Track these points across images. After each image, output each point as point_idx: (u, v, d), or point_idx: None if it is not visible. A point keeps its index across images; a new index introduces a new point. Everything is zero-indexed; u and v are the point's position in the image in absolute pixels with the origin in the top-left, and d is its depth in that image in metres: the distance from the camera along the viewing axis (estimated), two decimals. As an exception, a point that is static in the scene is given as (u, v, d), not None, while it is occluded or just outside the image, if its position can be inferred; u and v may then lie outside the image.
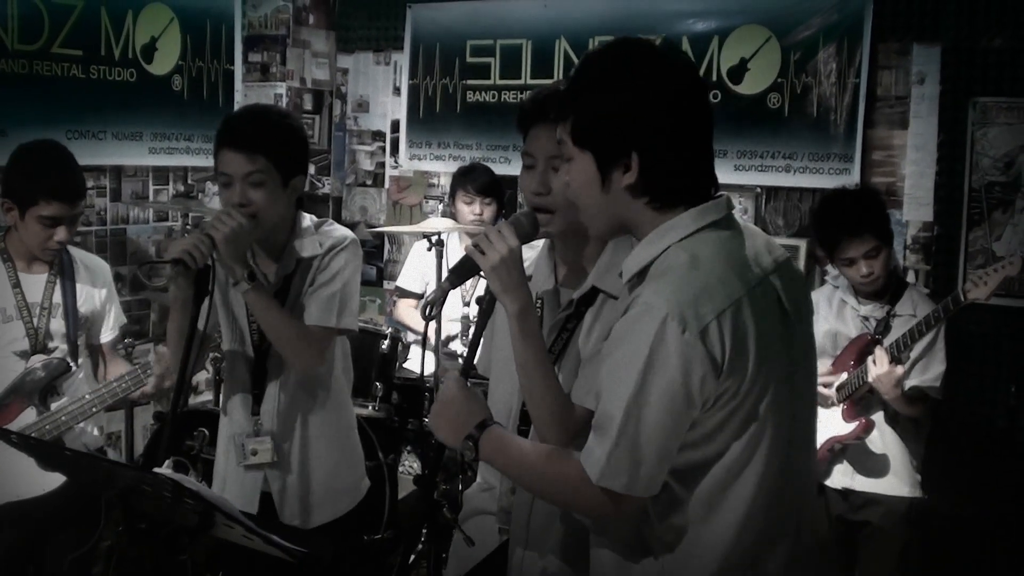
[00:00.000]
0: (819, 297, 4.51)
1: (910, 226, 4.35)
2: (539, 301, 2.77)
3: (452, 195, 5.78)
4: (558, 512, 2.66)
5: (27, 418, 3.81)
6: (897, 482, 4.30)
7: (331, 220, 3.55)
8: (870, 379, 4.11)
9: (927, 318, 4.10)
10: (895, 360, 4.09)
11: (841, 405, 4.31)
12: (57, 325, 3.92)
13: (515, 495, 2.81)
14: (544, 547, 2.70)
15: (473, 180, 5.65)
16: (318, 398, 3.46)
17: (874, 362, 4.10)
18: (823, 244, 4.41)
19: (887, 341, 4.22)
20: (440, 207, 6.79)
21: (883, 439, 4.30)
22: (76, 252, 4.09)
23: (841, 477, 4.35)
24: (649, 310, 2.10)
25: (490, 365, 2.94)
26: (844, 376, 4.32)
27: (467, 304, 5.54)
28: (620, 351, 2.14)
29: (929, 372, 4.21)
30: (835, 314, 4.43)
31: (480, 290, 5.37)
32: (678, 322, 2.07)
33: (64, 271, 3.97)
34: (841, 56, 5.59)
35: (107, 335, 4.14)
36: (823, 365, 4.38)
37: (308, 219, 3.46)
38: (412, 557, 4.77)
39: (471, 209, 5.61)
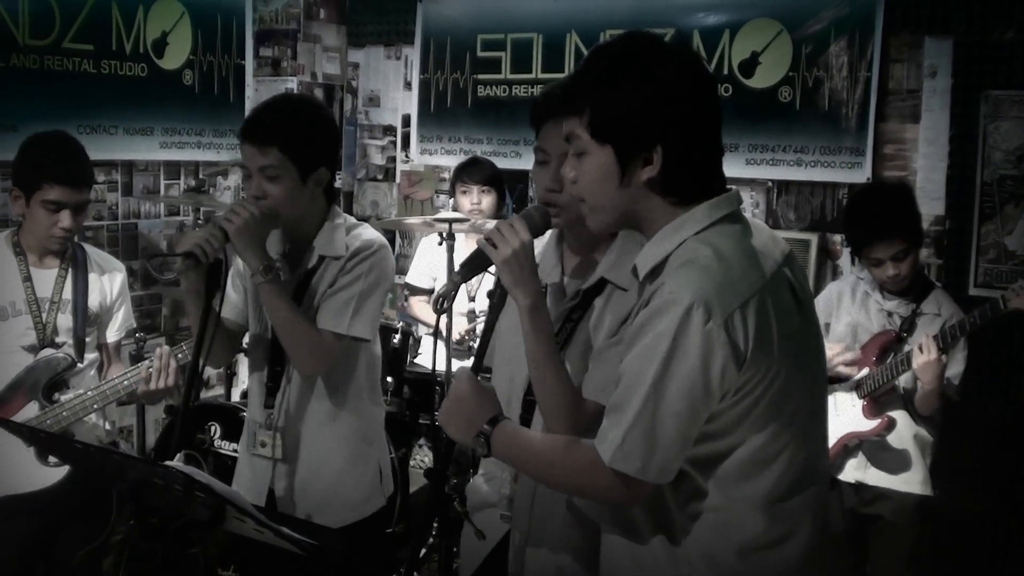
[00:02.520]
0: (843, 288, 4.50)
1: (922, 220, 4.37)
2: (544, 290, 2.78)
3: (452, 189, 5.79)
4: (562, 498, 2.66)
5: (29, 412, 3.82)
6: (909, 479, 4.29)
7: (366, 224, 3.50)
8: (915, 365, 4.07)
9: (962, 323, 4.07)
10: (941, 350, 4.06)
11: (861, 401, 4.30)
12: (65, 321, 3.92)
13: (517, 483, 2.82)
14: (546, 533, 2.71)
15: (471, 173, 5.66)
16: (331, 402, 3.41)
17: (921, 349, 4.06)
18: (851, 242, 4.38)
19: (913, 339, 4.20)
20: (451, 201, 6.80)
21: (899, 435, 4.28)
22: (91, 249, 4.09)
23: (854, 471, 4.34)
24: (674, 299, 2.11)
25: (492, 355, 2.93)
26: (865, 371, 4.30)
27: (472, 299, 5.54)
28: (643, 339, 2.14)
29: (949, 371, 4.19)
30: (858, 307, 4.40)
31: (485, 286, 5.39)
32: (703, 311, 2.08)
33: (76, 267, 3.97)
34: (852, 49, 5.58)
35: (113, 334, 4.14)
36: (843, 357, 4.37)
37: (343, 218, 3.43)
38: (423, 551, 4.78)
39: (468, 199, 5.62)
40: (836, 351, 4.27)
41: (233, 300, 3.57)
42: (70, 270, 3.95)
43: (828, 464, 2.55)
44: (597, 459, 2.17)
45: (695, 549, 2.25)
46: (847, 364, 4.30)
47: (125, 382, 3.83)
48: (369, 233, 3.43)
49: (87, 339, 3.99)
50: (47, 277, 3.92)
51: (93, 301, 4.00)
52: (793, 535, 2.27)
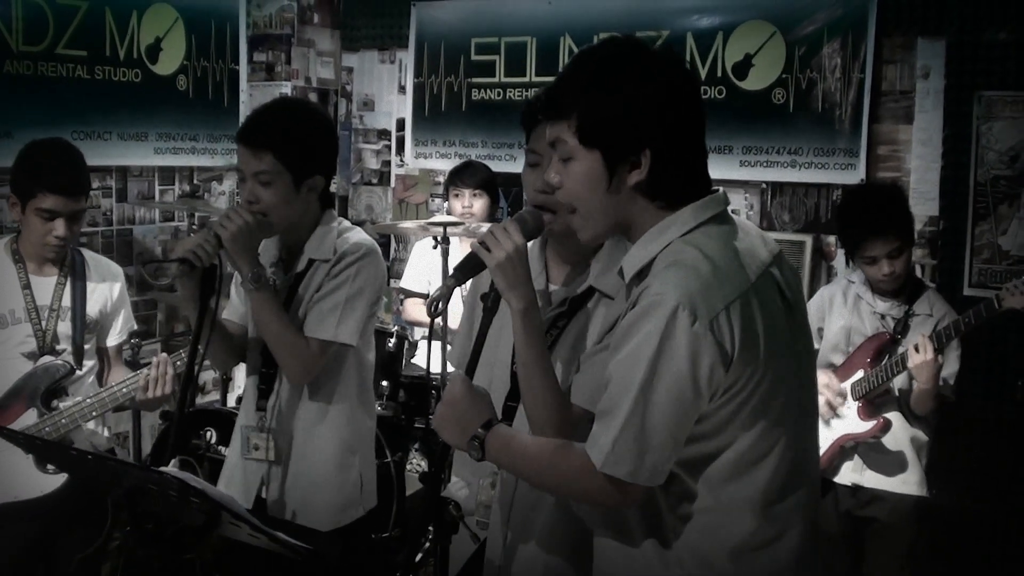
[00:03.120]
0: (834, 291, 4.50)
1: (915, 220, 4.37)
2: None
3: (445, 193, 5.80)
4: (543, 501, 2.66)
5: (28, 420, 3.82)
6: (905, 481, 4.28)
7: (357, 228, 3.49)
8: (910, 365, 4.06)
9: (956, 323, 4.07)
10: (937, 349, 4.06)
11: (856, 403, 4.30)
12: (65, 328, 3.92)
13: (495, 488, 2.82)
14: (525, 537, 2.71)
15: (465, 177, 5.67)
16: (317, 407, 3.40)
17: (916, 349, 4.06)
18: (845, 241, 4.38)
19: (906, 341, 4.21)
20: (445, 205, 6.81)
21: (894, 437, 4.28)
22: (89, 255, 4.09)
23: (850, 473, 4.34)
24: (659, 301, 2.11)
25: (463, 358, 2.92)
26: (860, 373, 4.30)
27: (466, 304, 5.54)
28: (630, 342, 2.15)
29: (944, 371, 4.19)
30: (850, 310, 4.39)
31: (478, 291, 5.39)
32: (688, 313, 2.09)
33: (75, 273, 3.97)
34: (846, 51, 5.59)
35: (113, 339, 4.13)
36: (836, 360, 4.37)
37: (336, 221, 3.42)
38: (419, 555, 4.78)
39: (460, 202, 5.63)
40: (824, 381, 4.27)
41: (235, 303, 3.57)
42: (69, 278, 3.95)
43: (819, 464, 2.56)
44: (588, 463, 2.17)
45: (686, 551, 2.26)
46: (834, 396, 4.30)
47: (124, 390, 3.83)
48: (358, 237, 3.42)
49: (86, 346, 4.00)
50: (46, 285, 3.92)
51: (93, 308, 4.00)
52: (784, 535, 2.27)
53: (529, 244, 2.80)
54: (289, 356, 3.27)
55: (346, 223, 3.47)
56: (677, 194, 2.25)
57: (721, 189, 2.33)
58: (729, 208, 2.34)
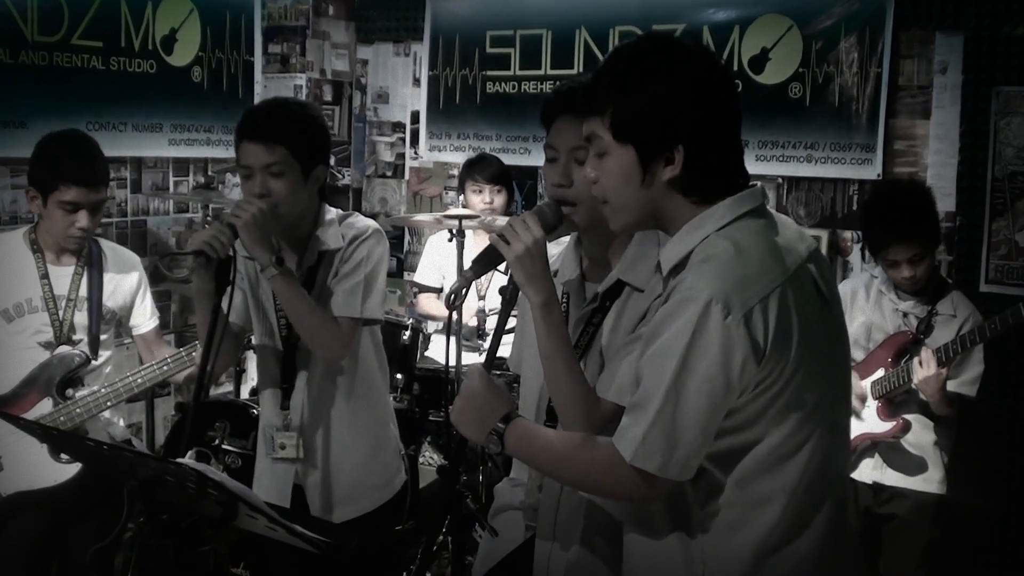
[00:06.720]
0: (857, 286, 4.47)
1: (940, 222, 4.34)
2: (565, 295, 2.76)
3: (461, 186, 5.79)
4: (585, 507, 2.65)
5: (44, 409, 3.82)
6: (927, 480, 4.27)
7: (356, 212, 3.55)
8: (914, 381, 4.06)
9: (980, 329, 4.04)
10: (941, 364, 4.04)
11: (876, 402, 4.27)
12: (82, 318, 3.93)
13: (542, 492, 2.80)
14: (571, 543, 2.69)
15: (481, 170, 5.66)
16: (348, 391, 3.46)
17: (920, 364, 4.05)
18: (868, 241, 4.35)
19: (932, 342, 4.18)
20: (460, 198, 6.80)
21: (915, 436, 4.26)
22: (106, 245, 4.11)
23: (871, 471, 4.32)
24: (693, 295, 2.12)
25: (521, 360, 2.92)
26: (881, 372, 4.27)
27: (482, 298, 5.54)
28: (663, 335, 2.15)
29: (966, 374, 4.17)
30: (872, 306, 4.36)
31: (495, 285, 5.38)
32: (722, 307, 2.09)
33: (92, 264, 3.98)
34: (863, 45, 5.56)
35: (146, 326, 4.15)
36: (856, 356, 4.34)
37: (333, 212, 3.46)
38: (434, 547, 4.77)
39: (481, 198, 5.62)
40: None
41: (237, 304, 3.56)
42: (86, 268, 3.96)
43: (849, 460, 2.55)
44: (616, 456, 2.17)
45: (711, 545, 2.25)
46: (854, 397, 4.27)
47: (139, 379, 3.85)
48: (361, 221, 3.48)
49: (103, 336, 4.01)
50: (64, 275, 3.93)
51: (110, 299, 4.01)
52: (811, 532, 2.26)
53: (564, 241, 2.80)
54: (321, 333, 3.30)
55: (340, 211, 3.51)
56: (711, 189, 2.26)
57: (759, 183, 2.33)
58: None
